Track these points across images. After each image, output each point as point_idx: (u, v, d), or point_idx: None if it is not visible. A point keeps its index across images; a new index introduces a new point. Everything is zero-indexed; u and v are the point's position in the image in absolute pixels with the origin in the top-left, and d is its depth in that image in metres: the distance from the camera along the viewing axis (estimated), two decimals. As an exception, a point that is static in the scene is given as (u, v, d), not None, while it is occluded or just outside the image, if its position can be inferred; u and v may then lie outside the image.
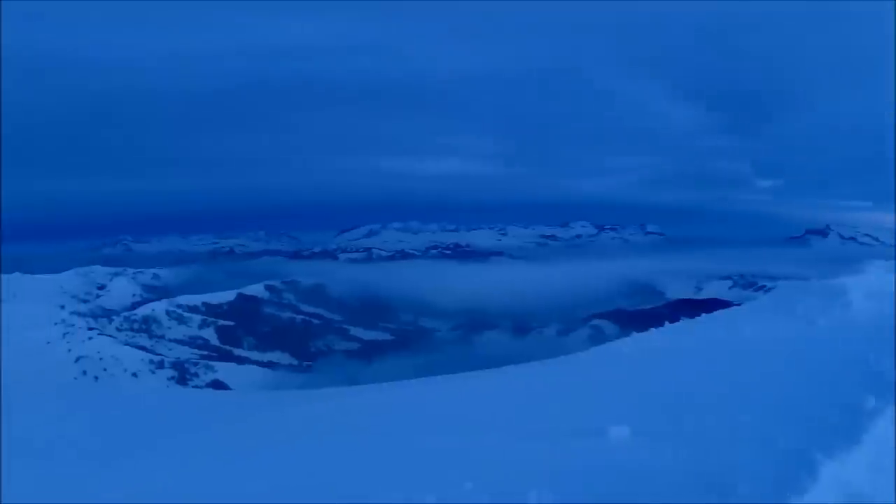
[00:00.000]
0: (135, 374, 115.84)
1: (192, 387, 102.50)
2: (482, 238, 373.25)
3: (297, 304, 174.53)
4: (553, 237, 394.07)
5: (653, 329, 11.35)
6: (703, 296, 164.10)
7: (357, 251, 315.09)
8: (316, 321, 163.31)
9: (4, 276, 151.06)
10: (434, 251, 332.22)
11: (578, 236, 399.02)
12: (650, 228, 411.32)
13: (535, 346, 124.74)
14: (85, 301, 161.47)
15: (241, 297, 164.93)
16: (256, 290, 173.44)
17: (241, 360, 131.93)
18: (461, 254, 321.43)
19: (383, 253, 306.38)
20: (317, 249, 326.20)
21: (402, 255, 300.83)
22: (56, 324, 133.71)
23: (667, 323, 11.77)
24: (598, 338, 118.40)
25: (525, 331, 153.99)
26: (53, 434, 8.31)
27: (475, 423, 6.76)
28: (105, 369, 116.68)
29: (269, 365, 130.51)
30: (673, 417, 5.49)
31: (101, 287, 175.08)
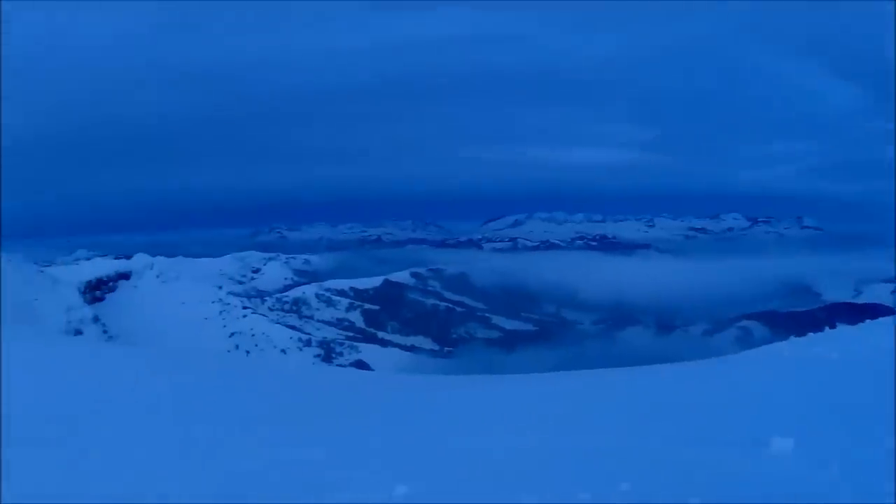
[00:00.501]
0: (283, 351, 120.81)
1: (336, 365, 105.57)
2: (629, 229, 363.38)
3: (441, 292, 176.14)
4: (703, 230, 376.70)
5: (811, 334, 10.59)
6: (862, 300, 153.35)
7: (502, 241, 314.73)
8: (459, 309, 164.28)
9: (169, 259, 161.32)
10: (579, 242, 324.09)
11: (730, 229, 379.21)
12: (807, 222, 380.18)
13: (679, 345, 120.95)
14: (241, 283, 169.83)
15: (388, 283, 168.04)
16: (402, 276, 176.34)
17: (384, 343, 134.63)
18: (607, 245, 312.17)
19: (528, 243, 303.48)
20: (462, 239, 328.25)
21: (547, 246, 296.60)
22: (213, 302, 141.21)
23: (826, 328, 10.99)
24: (747, 340, 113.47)
25: (669, 328, 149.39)
26: (208, 399, 8.57)
27: (623, 422, 6.51)
28: (256, 345, 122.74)
29: (411, 349, 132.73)
30: (840, 432, 5.12)
31: (256, 270, 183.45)
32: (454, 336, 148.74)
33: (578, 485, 4.40)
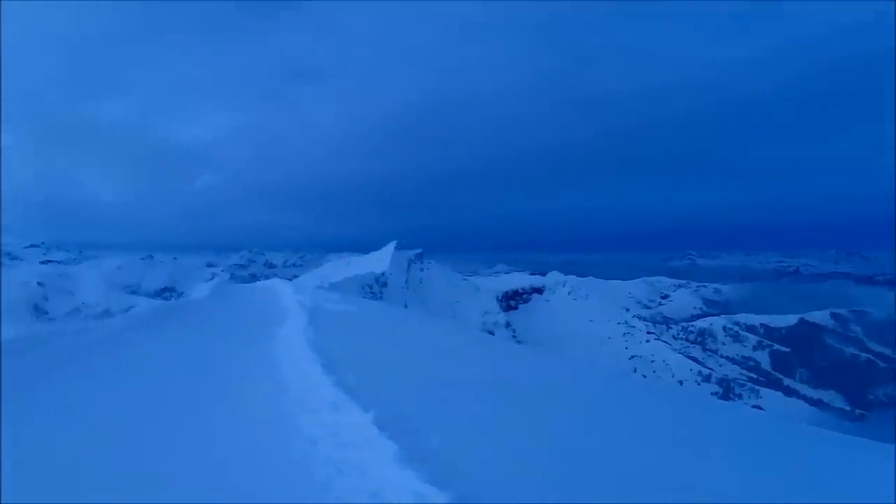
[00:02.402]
0: (680, 382, 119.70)
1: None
2: None
3: (862, 339, 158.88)
4: None
5: None
6: None
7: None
8: (881, 363, 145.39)
9: (580, 279, 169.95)
10: None
11: None
12: None
13: None
14: (648, 307, 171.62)
15: (803, 323, 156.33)
16: (820, 316, 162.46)
17: (788, 392, 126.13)
18: None
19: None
20: (892, 275, 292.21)
21: None
22: (619, 323, 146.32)
23: None
24: None
25: None
26: (613, 410, 9.05)
27: None
28: (654, 371, 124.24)
29: (817, 404, 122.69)
30: None
31: (665, 296, 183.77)
32: (870, 397, 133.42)
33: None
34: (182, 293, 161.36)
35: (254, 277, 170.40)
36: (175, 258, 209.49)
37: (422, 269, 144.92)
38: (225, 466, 5.12)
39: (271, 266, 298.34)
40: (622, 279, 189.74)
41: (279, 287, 26.83)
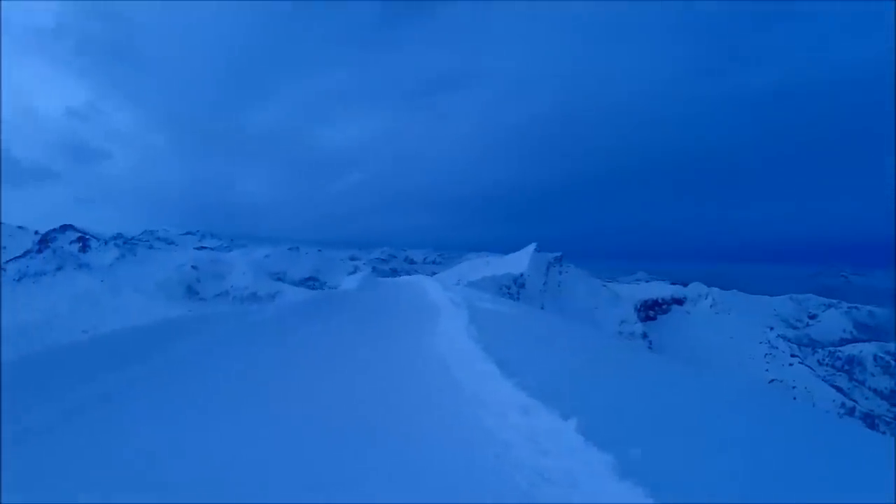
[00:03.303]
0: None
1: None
2: None
3: None
4: None
5: None
6: None
7: None
8: None
9: (724, 292, 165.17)
10: None
11: None
12: None
13: None
14: (794, 327, 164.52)
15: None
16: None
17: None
18: None
19: None
20: None
21: None
22: (761, 343, 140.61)
23: None
24: None
25: None
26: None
27: None
28: (794, 398, 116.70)
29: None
30: None
31: (812, 317, 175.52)
32: None
33: None
34: (325, 283, 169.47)
35: (395, 272, 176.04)
36: (319, 250, 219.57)
37: (560, 273, 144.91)
38: (417, 462, 4.99)
39: (412, 262, 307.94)
40: (768, 294, 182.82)
41: (424, 283, 27.69)
